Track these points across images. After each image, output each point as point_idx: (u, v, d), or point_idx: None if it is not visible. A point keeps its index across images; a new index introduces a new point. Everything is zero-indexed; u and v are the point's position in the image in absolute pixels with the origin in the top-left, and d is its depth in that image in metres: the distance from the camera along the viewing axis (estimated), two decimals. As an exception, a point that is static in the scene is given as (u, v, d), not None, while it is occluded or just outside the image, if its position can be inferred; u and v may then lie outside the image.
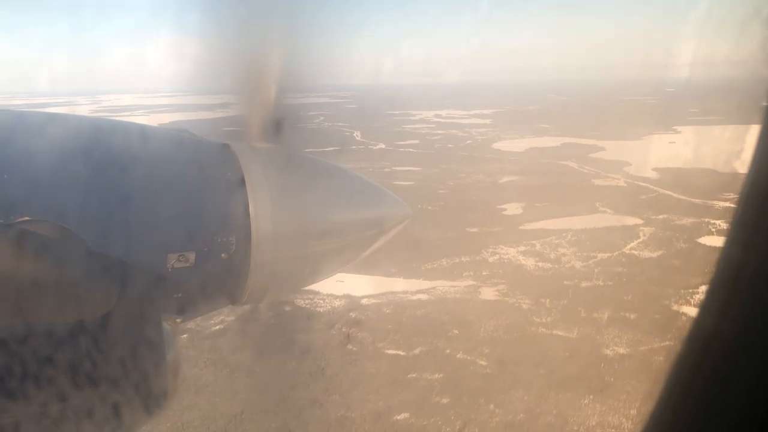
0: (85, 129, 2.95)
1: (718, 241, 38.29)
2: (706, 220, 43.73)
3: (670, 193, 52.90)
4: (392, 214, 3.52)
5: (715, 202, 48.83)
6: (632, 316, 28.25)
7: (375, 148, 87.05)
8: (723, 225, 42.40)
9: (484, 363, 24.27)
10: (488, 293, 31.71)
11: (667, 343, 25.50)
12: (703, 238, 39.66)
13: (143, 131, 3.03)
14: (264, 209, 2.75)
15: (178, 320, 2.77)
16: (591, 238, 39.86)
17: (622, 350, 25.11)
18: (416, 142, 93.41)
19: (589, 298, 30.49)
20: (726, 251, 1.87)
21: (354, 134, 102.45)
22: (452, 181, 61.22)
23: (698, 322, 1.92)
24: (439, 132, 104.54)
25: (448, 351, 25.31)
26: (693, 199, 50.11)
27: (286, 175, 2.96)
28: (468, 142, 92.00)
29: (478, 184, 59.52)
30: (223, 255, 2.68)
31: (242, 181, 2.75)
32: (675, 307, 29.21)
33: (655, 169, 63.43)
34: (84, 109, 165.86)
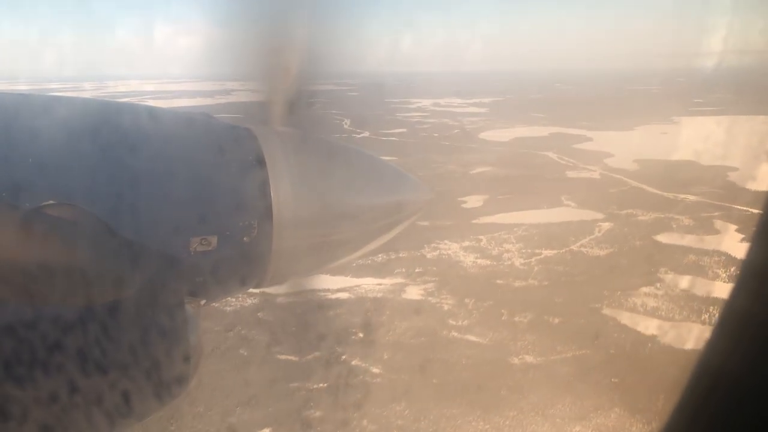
0: (109, 114, 2.95)
1: (676, 238, 36.01)
2: (671, 215, 41.32)
3: (643, 186, 50.42)
4: (413, 198, 3.47)
5: (687, 197, 46.38)
6: (556, 321, 26.21)
7: (359, 136, 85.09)
8: (687, 221, 40.07)
9: (376, 371, 22.44)
10: (413, 292, 29.81)
11: (583, 351, 23.45)
12: (661, 235, 37.31)
13: (165, 115, 3.04)
14: (285, 193, 2.74)
15: (201, 303, 2.74)
16: (542, 234, 37.71)
17: (530, 359, 23.12)
18: (403, 130, 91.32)
19: (517, 299, 28.48)
20: (750, 259, 1.84)
21: (343, 122, 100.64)
22: (422, 172, 58.99)
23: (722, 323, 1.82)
24: (431, 121, 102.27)
25: (344, 357, 23.47)
26: (665, 193, 47.61)
27: (307, 159, 2.94)
28: (456, 131, 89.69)
29: (448, 174, 57.39)
30: (245, 239, 2.66)
31: (263, 165, 2.73)
32: (605, 311, 27.10)
33: (636, 161, 60.85)
34: (87, 94, 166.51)
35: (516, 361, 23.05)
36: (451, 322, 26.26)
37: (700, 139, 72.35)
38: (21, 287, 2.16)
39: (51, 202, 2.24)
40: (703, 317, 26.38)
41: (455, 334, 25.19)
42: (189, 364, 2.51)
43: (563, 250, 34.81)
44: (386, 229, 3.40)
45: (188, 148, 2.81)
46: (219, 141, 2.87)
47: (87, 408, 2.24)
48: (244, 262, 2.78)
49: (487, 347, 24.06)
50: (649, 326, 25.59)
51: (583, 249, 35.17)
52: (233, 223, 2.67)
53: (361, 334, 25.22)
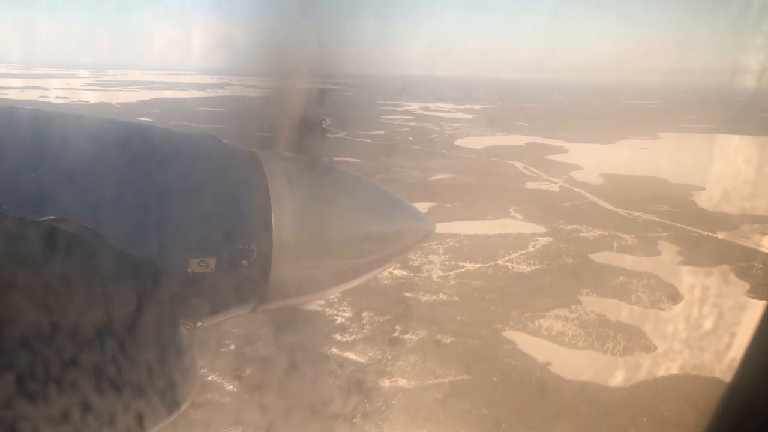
0: (112, 131, 2.94)
1: (612, 258, 34.18)
2: (617, 233, 39.36)
3: (600, 201, 48.48)
4: (414, 229, 3.45)
5: (642, 215, 44.46)
6: (448, 341, 24.37)
7: (333, 136, 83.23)
8: (631, 240, 38.15)
9: (232, 388, 20.62)
10: (316, 304, 27.94)
11: (462, 377, 21.59)
12: (597, 253, 35.37)
13: (169, 135, 3.04)
14: (286, 218, 2.73)
15: (197, 325, 2.72)
16: (473, 246, 35.84)
17: (403, 383, 21.28)
18: (381, 133, 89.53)
19: (418, 314, 26.62)
20: None
21: (324, 121, 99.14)
22: (382, 176, 57.28)
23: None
24: (412, 124, 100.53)
25: (204, 370, 21.65)
26: (619, 210, 45.66)
27: (310, 185, 2.95)
28: (433, 136, 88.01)
29: (405, 180, 55.51)
30: (243, 262, 2.67)
31: (266, 190, 2.74)
32: (506, 333, 25.22)
33: (603, 175, 58.99)
34: (81, 81, 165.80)
35: (386, 384, 21.20)
36: (337, 337, 24.43)
37: (676, 156, 70.33)
38: (16, 302, 2.11)
39: (52, 217, 2.27)
40: (606, 345, 24.50)
41: (335, 350, 23.35)
42: (183, 386, 2.47)
43: (487, 264, 32.93)
44: (385, 259, 3.36)
45: (192, 170, 2.78)
46: (223, 164, 2.87)
47: (78, 428, 2.18)
48: (241, 285, 2.75)
49: (362, 367, 22.23)
50: (545, 352, 23.69)
51: (509, 264, 33.28)
52: (233, 246, 2.65)
53: (232, 347, 23.40)
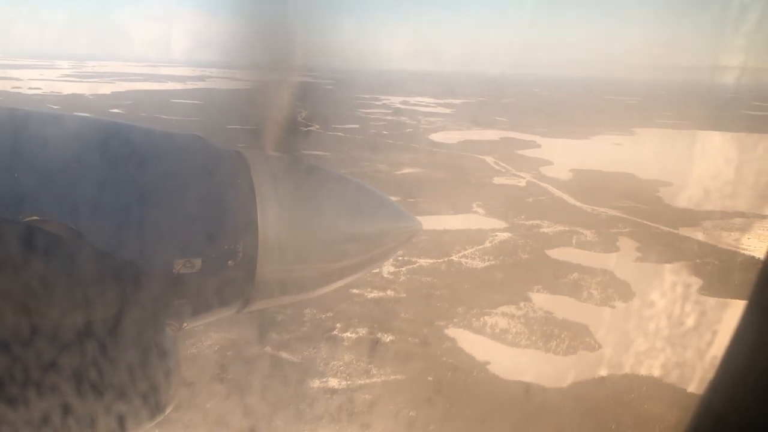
0: (95, 130, 2.91)
1: (568, 254, 33.66)
2: (577, 229, 38.85)
3: (565, 197, 48.02)
4: (401, 229, 3.41)
5: (606, 210, 44.04)
6: (389, 339, 23.68)
7: (306, 129, 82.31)
8: (591, 236, 37.66)
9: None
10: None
11: (397, 377, 20.89)
12: (555, 249, 34.83)
13: (154, 134, 2.97)
14: (272, 218, 2.70)
15: (182, 326, 2.67)
16: (430, 241, 35.08)
17: (334, 383, 20.55)
18: (355, 126, 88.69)
19: (362, 311, 25.90)
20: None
21: (299, 114, 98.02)
22: (348, 169, 56.29)
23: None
24: (388, 118, 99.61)
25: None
26: (584, 206, 45.21)
27: (296, 185, 2.92)
28: (408, 130, 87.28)
29: (372, 174, 54.73)
30: (229, 262, 2.62)
31: (252, 189, 2.71)
32: (448, 331, 24.56)
33: (572, 170, 58.58)
34: (59, 73, 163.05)
35: (316, 384, 20.46)
36: (274, 335, 23.60)
37: (648, 152, 70.12)
38: None
39: (34, 217, 2.24)
40: (550, 344, 23.91)
41: (268, 349, 22.55)
42: (167, 388, 2.44)
43: (441, 260, 32.25)
44: (371, 259, 3.33)
45: (177, 169, 2.73)
46: (208, 164, 2.80)
47: (60, 430, 2.14)
48: (227, 285, 2.69)
49: (294, 366, 21.47)
50: (486, 351, 23.05)
51: (463, 260, 32.63)
52: (218, 247, 2.60)
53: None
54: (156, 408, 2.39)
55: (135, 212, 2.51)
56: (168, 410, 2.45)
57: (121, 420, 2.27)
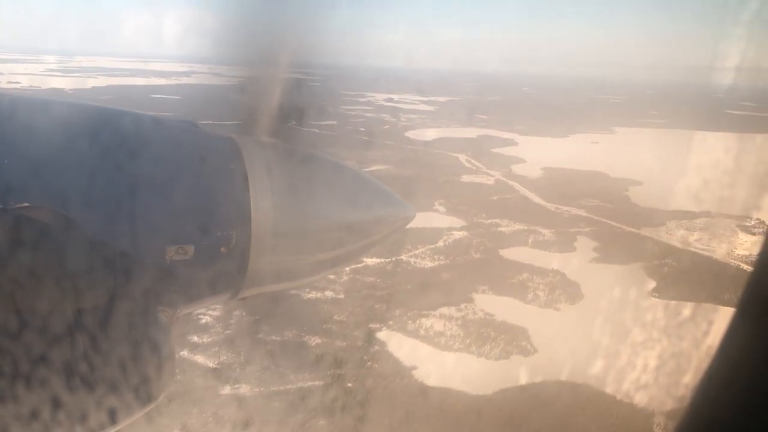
0: (87, 116, 2.84)
1: (522, 254, 32.70)
2: (536, 228, 37.86)
3: (531, 195, 47.05)
4: (394, 215, 3.36)
5: (570, 209, 43.10)
6: (314, 342, 22.61)
7: (279, 125, 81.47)
8: (549, 236, 36.68)
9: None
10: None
11: (314, 383, 19.82)
12: (509, 249, 33.82)
13: (146, 121, 2.90)
14: (265, 205, 2.66)
15: (176, 313, 2.63)
16: (381, 241, 34.02)
17: (246, 389, 19.50)
18: (333, 123, 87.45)
19: (294, 313, 24.80)
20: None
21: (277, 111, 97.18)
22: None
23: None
24: (369, 115, 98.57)
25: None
26: (548, 204, 44.24)
27: (290, 171, 2.87)
28: (386, 127, 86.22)
29: (338, 171, 53.69)
30: (222, 249, 2.59)
31: (245, 176, 2.66)
32: (379, 334, 23.50)
33: (544, 169, 57.69)
34: (44, 67, 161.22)
35: (226, 390, 19.37)
36: (194, 339, 22.52)
37: (624, 151, 69.36)
38: None
39: (25, 204, 2.21)
40: (483, 348, 22.88)
41: (185, 353, 21.42)
42: (161, 375, 2.40)
43: (389, 260, 31.18)
44: (364, 245, 3.28)
45: (168, 156, 2.69)
46: (201, 150, 2.77)
47: (54, 417, 2.12)
48: (220, 272, 2.65)
49: (206, 372, 20.36)
50: (415, 355, 22.00)
51: (412, 259, 31.59)
52: (211, 234, 2.56)
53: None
54: (151, 393, 2.34)
55: (126, 199, 2.46)
56: (161, 398, 2.38)
57: (112, 410, 2.24)
